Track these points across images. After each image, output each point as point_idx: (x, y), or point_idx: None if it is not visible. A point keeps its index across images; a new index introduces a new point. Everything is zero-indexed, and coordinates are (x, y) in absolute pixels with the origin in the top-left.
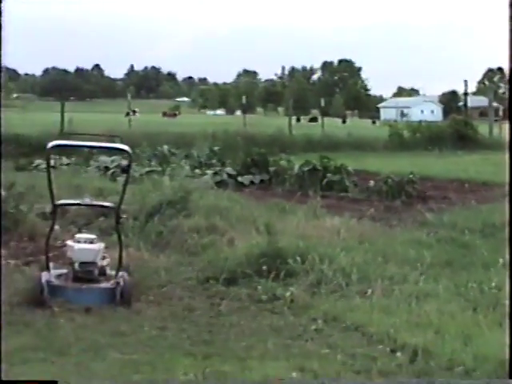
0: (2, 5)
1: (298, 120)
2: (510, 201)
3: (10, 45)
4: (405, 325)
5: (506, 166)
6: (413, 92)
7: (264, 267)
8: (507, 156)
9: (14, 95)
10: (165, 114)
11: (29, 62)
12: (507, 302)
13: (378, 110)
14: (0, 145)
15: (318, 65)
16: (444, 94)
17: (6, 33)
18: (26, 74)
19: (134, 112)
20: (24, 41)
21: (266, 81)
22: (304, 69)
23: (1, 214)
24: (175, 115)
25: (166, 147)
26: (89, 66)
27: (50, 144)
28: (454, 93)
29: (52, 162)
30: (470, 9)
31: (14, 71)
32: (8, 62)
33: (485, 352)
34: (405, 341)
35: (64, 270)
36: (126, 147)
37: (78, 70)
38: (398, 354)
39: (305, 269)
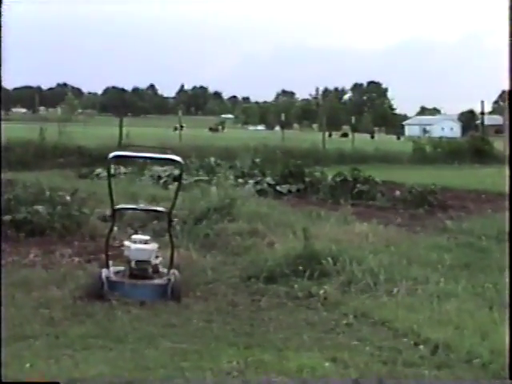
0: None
1: (330, 135)
2: (510, 208)
3: (75, 65)
4: (427, 321)
5: (506, 176)
6: (434, 111)
7: (300, 267)
8: (507, 167)
9: (78, 111)
10: (211, 129)
11: (91, 81)
12: (507, 303)
13: (402, 127)
14: (0, 152)
15: (348, 86)
16: (463, 113)
17: (70, 52)
18: (89, 93)
19: (182, 127)
20: (88, 62)
21: (302, 100)
22: (336, 89)
23: (0, 217)
24: (219, 130)
25: (212, 159)
26: (144, 86)
27: (111, 154)
28: (471, 112)
29: (112, 171)
30: (488, 29)
31: (79, 90)
32: (73, 82)
33: (500, 347)
34: (427, 335)
35: (121, 268)
36: (178, 158)
37: (135, 89)
38: (421, 347)
39: (337, 269)
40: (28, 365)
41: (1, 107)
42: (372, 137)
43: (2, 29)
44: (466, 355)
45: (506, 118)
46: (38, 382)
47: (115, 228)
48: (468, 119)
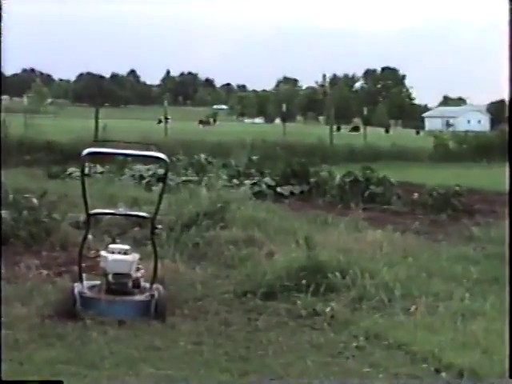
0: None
1: (339, 129)
2: (510, 210)
3: (43, 49)
4: (450, 344)
5: (506, 176)
6: (459, 101)
7: (303, 281)
8: (507, 166)
9: (48, 101)
10: (201, 122)
11: (63, 67)
12: (507, 303)
13: (422, 119)
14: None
15: (360, 72)
16: (492, 104)
17: (38, 36)
18: (61, 80)
19: (167, 119)
20: (58, 45)
21: (307, 88)
22: (346, 76)
23: (0, 218)
24: (210, 123)
25: (202, 156)
26: (124, 72)
27: (85, 151)
28: (502, 102)
29: (86, 170)
30: None
31: (48, 76)
32: (42, 67)
33: None
34: (450, 360)
35: (97, 282)
36: (162, 155)
37: (113, 76)
38: (443, 374)
39: (346, 284)
40: None
41: (1, 106)
42: (387, 131)
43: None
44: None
45: None
46: (39, 381)
47: (90, 236)
48: (498, 111)
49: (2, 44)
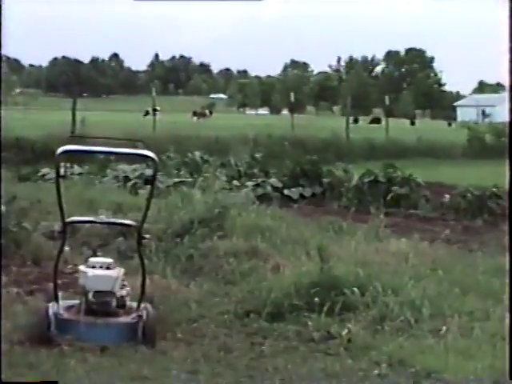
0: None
1: (357, 121)
2: (510, 204)
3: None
4: (488, 371)
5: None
6: (497, 87)
7: (316, 299)
8: (507, 161)
9: (17, 90)
10: (196, 114)
11: (34, 51)
12: (507, 303)
13: (454, 109)
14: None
15: (381, 55)
16: None
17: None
18: (31, 66)
19: (155, 111)
20: (28, 27)
21: (319, 74)
22: (365, 60)
23: (0, 220)
24: (206, 115)
25: (197, 154)
26: (105, 56)
27: (60, 149)
28: None
29: (62, 171)
30: None
31: (17, 62)
32: (9, 51)
33: None
34: None
35: (75, 301)
36: (150, 154)
37: (93, 61)
38: None
39: (365, 302)
40: None
41: (1, 102)
42: (413, 123)
43: None
44: None
45: None
46: (39, 382)
47: (67, 248)
48: None
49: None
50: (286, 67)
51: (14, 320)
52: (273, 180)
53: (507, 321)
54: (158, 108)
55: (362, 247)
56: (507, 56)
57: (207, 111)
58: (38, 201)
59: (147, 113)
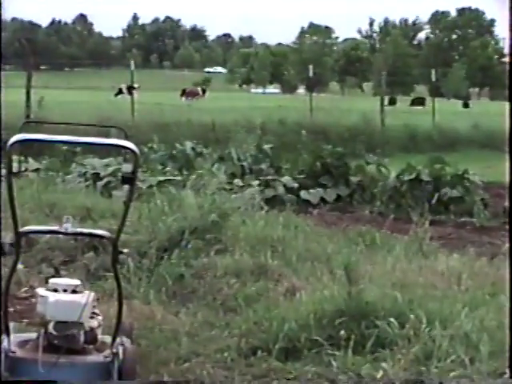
0: None
1: (393, 102)
2: (510, 200)
3: None
4: None
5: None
6: None
7: (342, 332)
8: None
9: None
10: (185, 94)
11: None
12: (507, 303)
13: None
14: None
15: (425, 17)
16: None
17: None
18: None
19: (131, 89)
20: None
21: (346, 41)
22: (404, 22)
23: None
24: (199, 95)
25: (188, 144)
26: (69, 18)
27: (12, 139)
28: None
29: (14, 167)
30: None
31: None
32: None
33: None
34: None
35: (32, 335)
36: (129, 144)
37: (53, 24)
38: None
39: (405, 335)
40: None
41: (0, 99)
42: (466, 105)
43: None
44: None
45: None
46: (39, 381)
47: (20, 266)
48: None
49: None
50: (302, 33)
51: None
52: (286, 178)
53: (507, 320)
54: (135, 85)
55: (402, 265)
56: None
57: (199, 89)
58: None
59: (120, 91)
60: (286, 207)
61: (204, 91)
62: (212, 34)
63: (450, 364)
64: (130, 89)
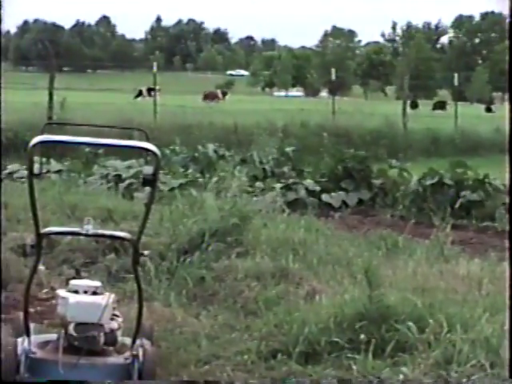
0: None
1: (415, 106)
2: (510, 199)
3: None
4: None
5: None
6: None
7: (362, 336)
8: (507, 156)
9: None
10: (207, 97)
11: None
12: (507, 302)
13: None
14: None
15: (448, 21)
16: None
17: None
18: None
19: (151, 91)
20: None
21: (368, 45)
22: (427, 26)
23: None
24: (219, 97)
25: (211, 146)
26: (92, 20)
27: (34, 140)
28: None
29: (36, 168)
30: None
31: None
32: None
33: None
34: None
35: (52, 336)
36: (151, 146)
37: (76, 26)
38: None
39: (425, 339)
40: None
41: (0, 99)
42: (489, 109)
43: None
44: None
45: None
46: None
47: (41, 267)
48: None
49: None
50: (325, 36)
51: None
52: (308, 182)
53: (507, 320)
54: (155, 87)
55: (423, 269)
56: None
57: (219, 92)
58: (4, 206)
59: (140, 93)
60: (307, 210)
61: (224, 94)
62: (235, 36)
63: (470, 369)
64: (150, 91)
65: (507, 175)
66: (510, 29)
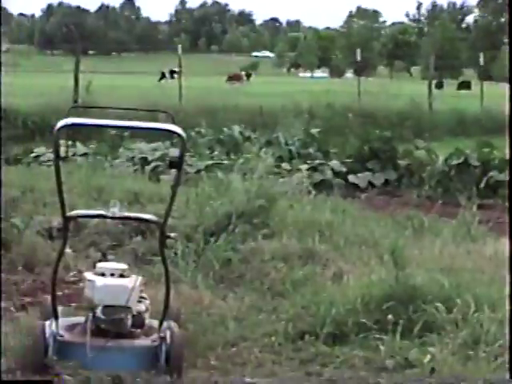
0: None
1: (441, 86)
2: (510, 200)
3: None
4: None
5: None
6: None
7: (389, 316)
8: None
9: (4, 47)
10: (231, 79)
11: None
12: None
13: None
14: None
15: (473, 0)
16: None
17: None
18: (22, 15)
19: (174, 73)
20: None
21: (393, 25)
22: (452, 6)
23: (0, 217)
24: (243, 79)
25: (236, 128)
26: (117, 3)
27: (60, 123)
28: None
29: (62, 152)
30: None
31: (2, 10)
32: None
33: None
34: None
35: (80, 318)
36: (176, 129)
37: (101, 9)
38: None
39: (453, 320)
40: None
41: (0, 101)
42: None
43: None
44: None
45: None
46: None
47: (68, 250)
48: None
49: None
50: (350, 17)
51: (1, 342)
52: (334, 163)
53: (507, 319)
54: (176, 69)
55: (450, 249)
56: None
57: (243, 73)
58: (31, 189)
59: (163, 75)
60: (333, 191)
61: (248, 76)
62: (259, 18)
63: (498, 348)
64: (173, 73)
65: (507, 172)
66: (510, 29)
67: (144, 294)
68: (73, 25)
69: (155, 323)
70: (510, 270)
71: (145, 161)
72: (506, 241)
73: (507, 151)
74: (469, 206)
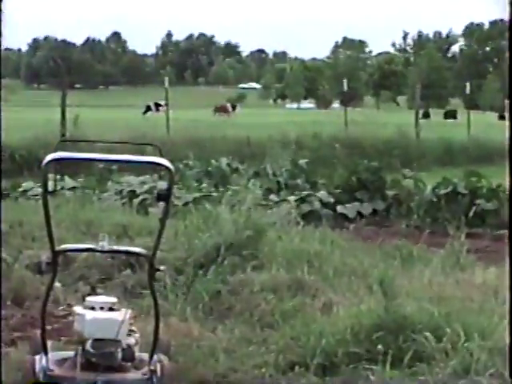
0: None
1: (428, 115)
2: (510, 200)
3: None
4: None
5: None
6: None
7: (379, 346)
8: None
9: None
10: (218, 110)
11: (10, 31)
12: (507, 302)
13: None
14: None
15: (459, 29)
16: None
17: None
18: (8, 49)
19: (159, 106)
20: None
21: (380, 55)
22: (438, 35)
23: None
24: (229, 110)
25: (224, 160)
26: (103, 36)
27: (48, 157)
28: None
29: (50, 185)
30: None
31: None
32: None
33: None
34: None
35: (70, 353)
36: (164, 161)
37: (87, 42)
38: None
39: (443, 349)
40: None
41: (0, 104)
42: (502, 117)
43: None
44: None
45: None
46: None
47: (57, 284)
48: None
49: None
50: (336, 47)
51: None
52: (322, 193)
53: (507, 319)
54: (161, 102)
55: (439, 279)
56: None
57: (228, 105)
58: (19, 223)
59: (148, 108)
60: (322, 222)
61: (234, 107)
62: (246, 49)
63: (489, 378)
64: (158, 106)
65: (507, 179)
66: (510, 29)
67: (134, 327)
68: (59, 58)
69: (145, 356)
70: (509, 274)
71: (133, 194)
72: (494, 270)
73: (495, 180)
74: (457, 236)
